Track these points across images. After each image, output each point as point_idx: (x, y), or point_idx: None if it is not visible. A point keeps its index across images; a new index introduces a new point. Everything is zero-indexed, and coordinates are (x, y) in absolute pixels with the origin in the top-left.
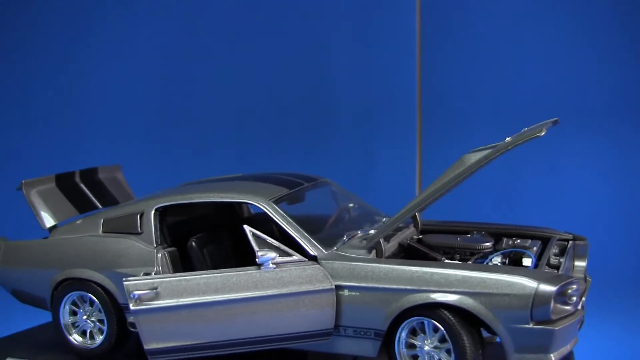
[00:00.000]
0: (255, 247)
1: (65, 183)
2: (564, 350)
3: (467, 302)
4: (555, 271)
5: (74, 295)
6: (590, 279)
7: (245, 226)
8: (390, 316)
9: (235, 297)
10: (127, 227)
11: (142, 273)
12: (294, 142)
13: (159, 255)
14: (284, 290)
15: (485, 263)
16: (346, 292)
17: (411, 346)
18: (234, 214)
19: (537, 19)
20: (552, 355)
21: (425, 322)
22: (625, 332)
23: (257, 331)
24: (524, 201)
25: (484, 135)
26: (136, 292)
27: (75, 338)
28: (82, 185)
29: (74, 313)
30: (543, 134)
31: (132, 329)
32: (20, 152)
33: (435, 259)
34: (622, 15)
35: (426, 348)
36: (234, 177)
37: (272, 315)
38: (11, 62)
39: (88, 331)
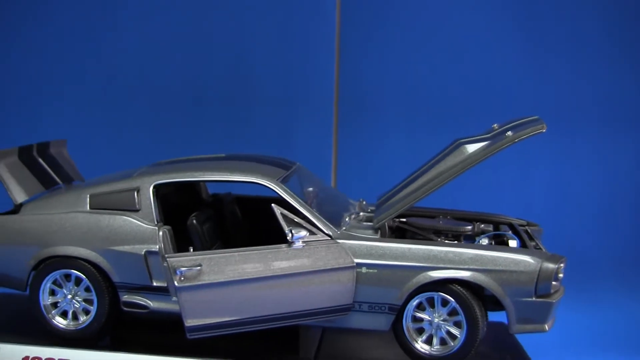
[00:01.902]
0: (285, 226)
1: (26, 157)
2: (553, 321)
3: (480, 278)
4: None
5: (57, 274)
6: None
7: (273, 205)
8: (407, 292)
9: (272, 274)
10: (121, 204)
11: (143, 251)
12: (211, 125)
13: (161, 233)
14: (314, 267)
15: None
16: (364, 270)
17: (415, 320)
18: (196, 194)
19: (454, 16)
20: (546, 325)
21: (435, 296)
22: (574, 312)
23: (288, 307)
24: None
25: (397, 126)
26: (182, 269)
27: (59, 320)
28: (40, 160)
29: (52, 293)
30: (545, 130)
31: (126, 309)
32: None
33: (428, 239)
34: (531, 10)
35: (436, 320)
36: (218, 157)
37: (303, 290)
38: None
39: (70, 312)
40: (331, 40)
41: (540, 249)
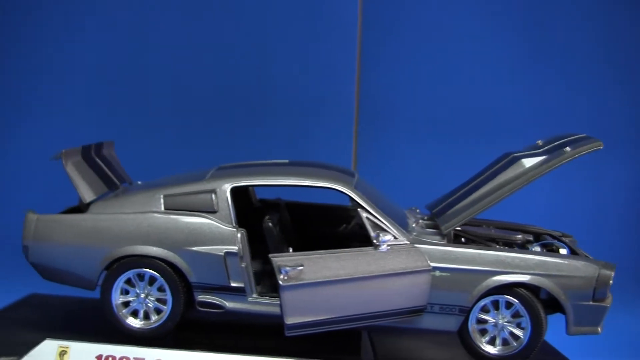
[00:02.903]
0: (371, 230)
1: (87, 156)
2: (602, 324)
3: (545, 282)
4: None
5: (130, 273)
6: None
7: (360, 210)
8: (478, 294)
9: (362, 275)
10: (198, 206)
11: (223, 252)
12: (234, 131)
13: (239, 235)
14: (398, 269)
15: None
16: (437, 273)
17: (479, 322)
18: (247, 198)
19: (474, 31)
20: (599, 327)
21: (500, 299)
22: None
23: (374, 306)
24: None
25: (416, 137)
26: (286, 268)
27: (131, 319)
28: (98, 160)
29: (122, 292)
30: (602, 147)
31: (200, 309)
32: None
33: (485, 246)
34: (556, 27)
35: (500, 322)
36: (282, 163)
37: (387, 291)
38: None
39: (142, 311)
40: (352, 52)
41: (587, 257)
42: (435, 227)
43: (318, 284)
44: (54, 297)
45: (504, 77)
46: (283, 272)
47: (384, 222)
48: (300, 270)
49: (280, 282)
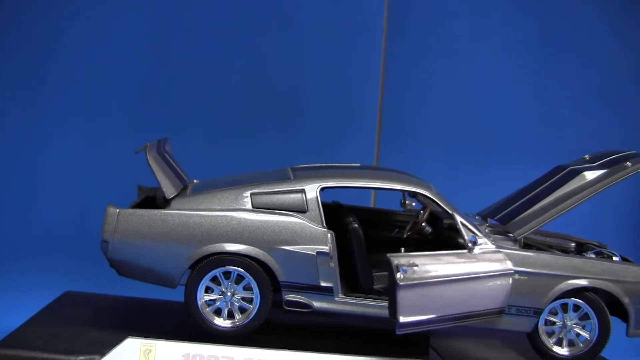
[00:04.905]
0: (465, 234)
1: (159, 151)
2: None
3: (612, 287)
4: None
5: (217, 271)
6: None
7: (456, 216)
8: (552, 297)
9: (463, 276)
10: (288, 205)
11: (315, 251)
12: (262, 142)
13: (329, 235)
14: (490, 272)
15: None
16: (516, 276)
17: (547, 323)
18: None
19: (501, 42)
20: None
21: (569, 302)
22: None
23: (468, 307)
24: None
25: (436, 153)
26: (404, 267)
27: (218, 318)
28: (166, 155)
29: (206, 290)
30: None
31: (288, 308)
32: None
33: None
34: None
35: (568, 324)
36: (354, 166)
37: (481, 292)
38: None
39: (225, 310)
40: (377, 62)
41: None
42: (499, 233)
43: (427, 284)
44: (91, 295)
45: (529, 93)
46: (402, 271)
47: (473, 227)
48: (413, 269)
49: (398, 282)
